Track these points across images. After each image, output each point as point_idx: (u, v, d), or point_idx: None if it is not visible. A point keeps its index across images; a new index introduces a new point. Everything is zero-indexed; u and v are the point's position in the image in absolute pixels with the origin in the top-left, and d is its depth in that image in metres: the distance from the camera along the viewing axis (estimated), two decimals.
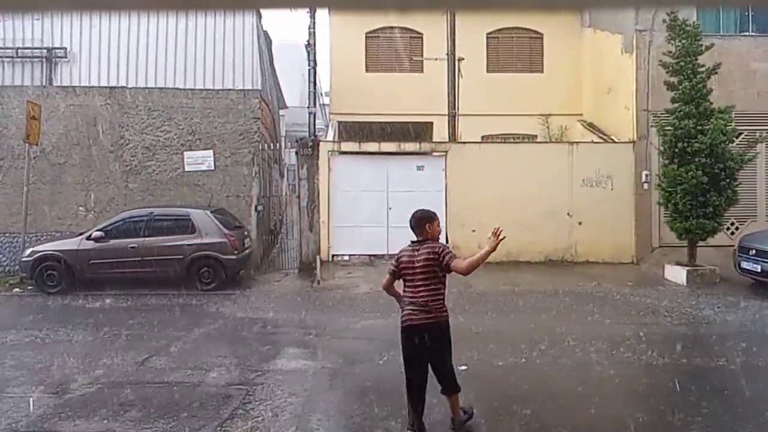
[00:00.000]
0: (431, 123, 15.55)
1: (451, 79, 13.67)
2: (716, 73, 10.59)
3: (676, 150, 10.50)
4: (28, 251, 10.22)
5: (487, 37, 16.34)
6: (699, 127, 10.27)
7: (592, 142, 13.85)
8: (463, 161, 12.69)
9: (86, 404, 5.10)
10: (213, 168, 12.11)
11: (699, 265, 10.64)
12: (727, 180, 10.34)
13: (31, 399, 5.19)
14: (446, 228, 12.58)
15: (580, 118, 15.72)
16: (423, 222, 4.41)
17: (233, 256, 10.26)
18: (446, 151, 12.87)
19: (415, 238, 4.48)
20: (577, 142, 13.50)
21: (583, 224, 12.41)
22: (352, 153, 12.88)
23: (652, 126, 12.13)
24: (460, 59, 13.91)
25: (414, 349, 4.21)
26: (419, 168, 12.84)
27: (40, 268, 9.99)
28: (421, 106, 15.25)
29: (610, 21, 14.04)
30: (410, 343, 4.23)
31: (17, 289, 10.38)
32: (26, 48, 13.98)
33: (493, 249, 4.11)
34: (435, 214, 4.55)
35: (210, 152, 12.12)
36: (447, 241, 12.59)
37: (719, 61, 10.72)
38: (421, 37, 16.28)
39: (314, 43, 13.51)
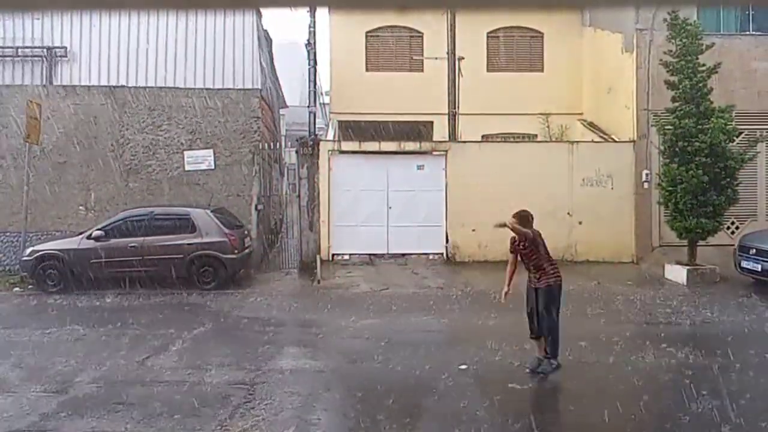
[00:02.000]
0: (431, 122, 15.55)
1: (451, 78, 13.66)
2: (716, 72, 10.57)
3: (677, 149, 10.49)
4: (28, 250, 10.22)
5: (488, 37, 16.32)
6: (699, 127, 10.26)
7: (593, 141, 13.84)
8: (463, 161, 12.68)
9: (86, 403, 5.10)
10: (213, 167, 12.11)
11: (699, 264, 10.64)
12: (728, 179, 10.33)
13: (31, 398, 5.20)
14: (446, 227, 12.60)
15: (580, 117, 15.71)
16: None
17: (233, 256, 10.26)
18: (446, 151, 12.86)
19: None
20: (578, 142, 13.49)
21: (583, 224, 12.40)
22: (352, 152, 12.88)
23: (652, 125, 12.11)
24: (461, 58, 13.89)
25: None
26: (419, 167, 12.84)
27: (40, 268, 9.99)
28: (422, 106, 15.23)
29: (611, 20, 14.03)
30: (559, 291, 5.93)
31: (17, 289, 10.38)
32: (26, 47, 13.97)
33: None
34: None
35: (210, 151, 12.12)
36: (447, 240, 12.61)
37: (720, 60, 10.71)
38: (422, 37, 16.27)
39: (314, 43, 13.51)
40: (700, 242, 10.69)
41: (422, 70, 16.03)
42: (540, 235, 5.93)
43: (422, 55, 15.92)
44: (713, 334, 7.30)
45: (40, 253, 10.06)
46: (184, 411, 4.91)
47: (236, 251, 10.32)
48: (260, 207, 12.45)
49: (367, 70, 16.45)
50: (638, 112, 12.64)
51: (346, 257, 12.49)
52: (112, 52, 13.98)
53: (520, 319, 8.11)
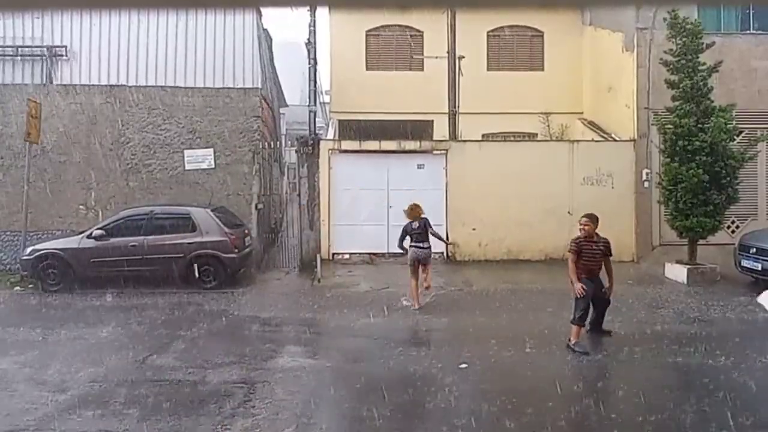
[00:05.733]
0: (431, 121, 15.54)
1: (451, 77, 13.66)
2: (717, 71, 10.56)
3: (677, 148, 10.47)
4: (28, 250, 10.23)
5: (488, 35, 16.32)
6: (700, 125, 10.26)
7: (593, 140, 13.84)
8: (463, 160, 12.68)
9: (87, 402, 5.10)
10: (213, 166, 12.11)
11: (699, 263, 10.63)
12: (728, 178, 10.32)
13: (32, 397, 5.20)
14: (447, 226, 12.59)
15: (580, 116, 15.71)
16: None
17: (234, 255, 10.26)
18: (446, 150, 12.86)
19: None
20: (578, 141, 13.49)
21: None
22: (352, 151, 12.87)
23: (652, 124, 12.10)
24: (461, 57, 13.89)
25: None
26: (420, 166, 12.84)
27: (40, 267, 10.00)
28: (422, 105, 15.24)
29: (611, 19, 14.02)
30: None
31: (18, 288, 10.39)
32: (26, 46, 13.96)
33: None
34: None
35: (210, 150, 12.12)
36: (447, 239, 12.58)
37: (720, 59, 10.70)
38: (422, 35, 16.27)
39: (314, 41, 13.50)
40: (701, 241, 10.69)
41: (422, 69, 16.04)
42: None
43: (422, 54, 15.92)
44: (714, 333, 7.30)
45: (41, 252, 10.07)
46: (185, 410, 4.91)
47: (236, 250, 10.32)
48: (260, 206, 12.45)
49: (367, 69, 16.45)
50: (638, 111, 12.64)
51: (347, 256, 12.50)
52: (112, 50, 13.97)
53: (519, 318, 8.15)
